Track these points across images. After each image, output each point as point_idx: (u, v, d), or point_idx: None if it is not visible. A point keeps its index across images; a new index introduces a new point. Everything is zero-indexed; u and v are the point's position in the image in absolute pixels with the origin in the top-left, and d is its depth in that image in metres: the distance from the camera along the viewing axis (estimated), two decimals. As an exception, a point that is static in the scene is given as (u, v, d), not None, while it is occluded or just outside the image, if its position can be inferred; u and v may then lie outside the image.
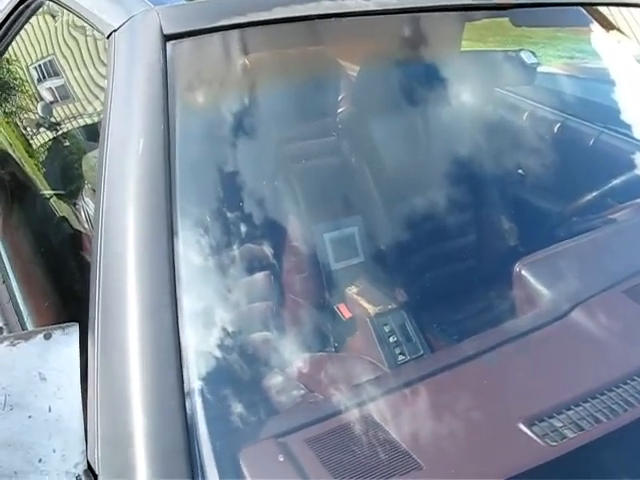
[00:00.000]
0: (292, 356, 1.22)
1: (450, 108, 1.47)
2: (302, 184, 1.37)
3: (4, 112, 1.76)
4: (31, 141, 1.62)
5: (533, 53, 1.66)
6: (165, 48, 1.01)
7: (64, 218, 1.36)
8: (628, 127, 1.63)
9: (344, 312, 1.33)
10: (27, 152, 1.58)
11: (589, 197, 1.41)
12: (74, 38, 1.41)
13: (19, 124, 1.70)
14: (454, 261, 1.45)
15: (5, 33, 1.58)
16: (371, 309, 1.32)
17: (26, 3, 1.50)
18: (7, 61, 1.70)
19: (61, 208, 1.40)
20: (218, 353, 1.00)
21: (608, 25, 1.60)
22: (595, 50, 1.78)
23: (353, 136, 1.53)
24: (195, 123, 1.07)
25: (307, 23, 1.18)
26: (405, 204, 1.45)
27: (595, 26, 1.59)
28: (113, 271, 0.83)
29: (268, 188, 1.25)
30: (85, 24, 1.23)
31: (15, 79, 1.69)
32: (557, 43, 2.48)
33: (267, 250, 1.32)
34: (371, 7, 1.19)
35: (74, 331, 0.76)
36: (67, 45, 1.45)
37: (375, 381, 0.93)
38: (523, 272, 0.90)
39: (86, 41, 1.34)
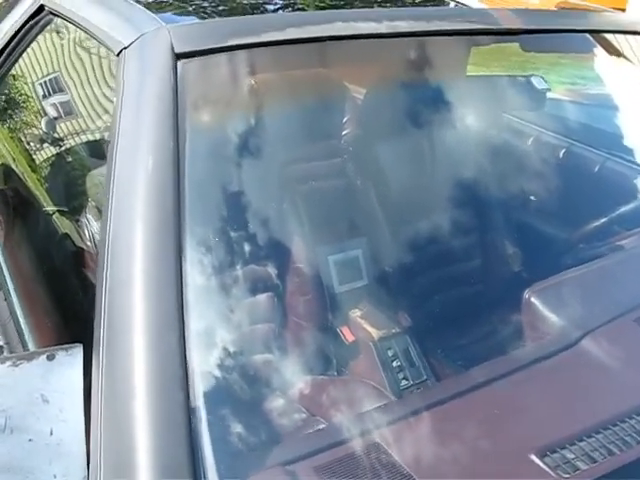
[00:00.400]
0: (295, 379, 1.20)
1: (456, 132, 1.46)
2: (307, 206, 1.36)
3: (9, 128, 1.75)
4: (34, 157, 1.61)
5: (543, 78, 1.66)
6: (176, 66, 1.00)
7: (67, 235, 1.34)
8: (632, 153, 1.64)
9: (347, 335, 1.31)
10: (30, 168, 1.57)
11: (597, 224, 1.40)
12: (82, 55, 1.40)
13: (23, 140, 1.69)
14: (459, 286, 1.44)
15: (13, 49, 1.57)
16: (374, 333, 1.30)
17: (35, 20, 1.49)
18: (13, 77, 1.70)
19: (64, 225, 1.38)
20: (225, 376, 0.98)
21: (614, 52, 1.60)
22: (598, 76, 1.79)
23: (358, 158, 1.53)
24: (204, 143, 1.07)
25: (316, 45, 1.17)
26: (410, 227, 1.44)
27: (599, 52, 1.60)
28: (119, 291, 0.82)
29: (274, 209, 1.24)
30: (94, 41, 1.22)
31: (21, 95, 1.68)
32: (560, 69, 2.49)
33: (272, 271, 1.31)
34: (383, 30, 1.19)
35: (78, 352, 0.74)
36: (75, 62, 1.44)
37: (383, 408, 0.91)
38: (533, 299, 0.89)
39: (94, 58, 1.33)
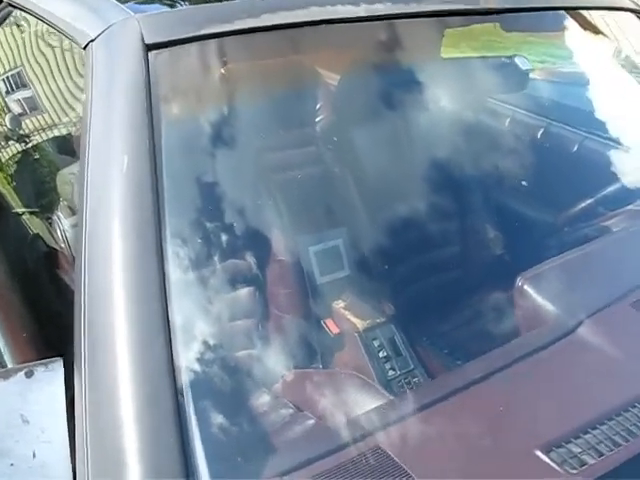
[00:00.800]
0: (281, 373, 1.18)
1: (433, 116, 1.44)
2: (286, 196, 1.33)
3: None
4: (-1, 155, 1.55)
5: (527, 59, 1.63)
6: (147, 58, 0.95)
7: (39, 236, 1.29)
8: (610, 131, 1.62)
9: (332, 327, 1.29)
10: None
11: (583, 205, 1.39)
12: (46, 49, 1.33)
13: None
14: (443, 273, 1.42)
15: None
16: (359, 323, 1.28)
17: None
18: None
19: (35, 226, 1.33)
20: (212, 377, 0.96)
21: (590, 28, 1.58)
22: (572, 54, 1.78)
23: (335, 146, 1.49)
24: (180, 136, 1.02)
25: (290, 31, 1.13)
26: (390, 214, 1.42)
27: (575, 28, 1.58)
28: (99, 299, 0.77)
29: (252, 201, 1.20)
30: (58, 34, 1.16)
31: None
32: (527, 47, 2.47)
33: (253, 265, 1.28)
34: (360, 13, 1.15)
35: (58, 367, 0.70)
36: (38, 56, 1.37)
37: (377, 407, 0.89)
38: (526, 287, 0.87)
39: (59, 52, 1.26)
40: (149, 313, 0.77)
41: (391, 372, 1.26)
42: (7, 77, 1.53)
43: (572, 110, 1.81)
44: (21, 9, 1.30)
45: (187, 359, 0.84)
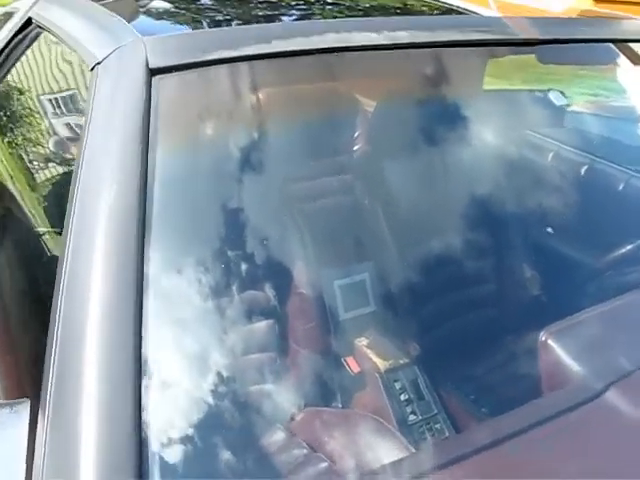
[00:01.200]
0: (295, 410, 1.14)
1: (471, 150, 1.38)
2: (310, 227, 1.29)
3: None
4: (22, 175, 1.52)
5: (562, 93, 1.56)
6: (150, 83, 0.91)
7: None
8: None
9: (352, 366, 1.24)
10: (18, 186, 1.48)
11: (625, 251, 1.31)
12: (65, 70, 1.32)
13: (14, 157, 1.61)
14: (472, 314, 1.36)
15: (1, 64, 1.50)
16: (381, 364, 1.23)
17: (23, 33, 1.42)
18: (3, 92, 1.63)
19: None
20: (224, 416, 0.91)
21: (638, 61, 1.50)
22: (622, 87, 1.70)
23: (367, 177, 1.45)
24: (181, 168, 0.97)
25: (305, 58, 1.08)
26: (421, 251, 1.37)
27: (624, 62, 1.50)
28: (73, 339, 0.72)
29: (271, 234, 1.16)
30: (75, 55, 1.13)
31: (11, 112, 1.61)
32: (580, 81, 2.40)
33: (271, 297, 1.24)
34: (381, 41, 1.10)
35: (24, 409, 0.65)
36: (57, 78, 1.36)
37: (395, 462, 0.83)
38: (550, 342, 0.80)
39: (76, 73, 1.25)
40: (121, 357, 0.72)
41: (412, 416, 1.20)
42: (31, 98, 1.52)
43: (620, 146, 1.72)
44: (46, 30, 1.29)
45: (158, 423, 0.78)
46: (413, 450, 1.05)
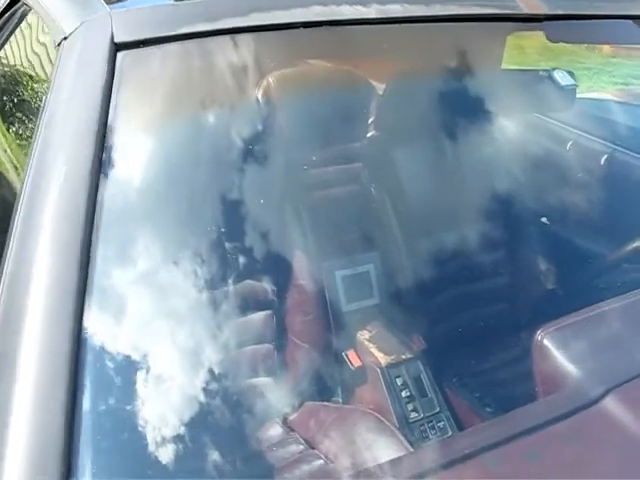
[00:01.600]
0: (293, 406, 1.10)
1: (482, 136, 1.32)
2: (311, 215, 1.24)
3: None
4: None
5: (570, 73, 1.46)
6: (114, 59, 0.86)
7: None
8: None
9: (353, 360, 1.20)
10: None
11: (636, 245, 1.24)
12: (39, 48, 1.27)
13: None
14: (480, 310, 1.30)
15: None
16: (383, 358, 1.19)
17: (11, 11, 1.38)
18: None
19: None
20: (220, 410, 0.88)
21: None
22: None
23: (372, 164, 1.39)
24: (144, 150, 0.92)
25: (289, 32, 1.02)
26: (428, 242, 1.31)
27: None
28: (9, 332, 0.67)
29: (259, 233, 1.11)
30: (48, 30, 1.08)
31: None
32: (612, 69, 2.32)
33: (269, 288, 1.20)
34: (372, 14, 1.04)
35: None
36: (31, 56, 1.31)
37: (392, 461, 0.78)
38: (546, 342, 0.74)
39: (46, 51, 1.19)
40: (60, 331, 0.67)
41: (413, 414, 1.16)
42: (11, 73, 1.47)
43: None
44: (29, 6, 1.23)
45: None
46: (412, 449, 1.00)
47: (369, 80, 1.43)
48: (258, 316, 1.18)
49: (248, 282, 1.16)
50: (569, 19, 1.20)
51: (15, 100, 1.44)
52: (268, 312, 1.19)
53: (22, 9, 1.34)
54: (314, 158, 1.30)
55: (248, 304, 1.16)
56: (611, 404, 0.65)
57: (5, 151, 1.39)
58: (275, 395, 1.11)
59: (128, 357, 0.82)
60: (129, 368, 0.82)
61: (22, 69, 1.40)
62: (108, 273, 0.77)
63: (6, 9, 1.38)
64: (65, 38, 0.92)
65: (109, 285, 0.78)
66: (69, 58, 0.86)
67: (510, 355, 1.19)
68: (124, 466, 0.77)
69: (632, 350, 0.74)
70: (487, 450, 0.65)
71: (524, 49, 1.68)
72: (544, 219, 1.33)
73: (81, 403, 0.65)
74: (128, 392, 0.81)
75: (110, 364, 0.77)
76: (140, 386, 0.82)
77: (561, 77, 1.40)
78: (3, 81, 1.60)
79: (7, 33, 1.44)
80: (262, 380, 1.13)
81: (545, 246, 1.39)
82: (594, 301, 0.88)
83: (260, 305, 1.18)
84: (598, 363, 0.72)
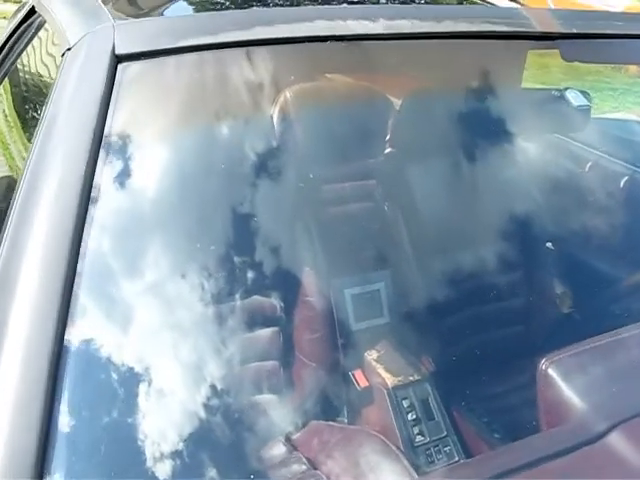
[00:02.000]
0: (297, 424, 1.08)
1: (495, 156, 1.30)
2: (322, 231, 1.22)
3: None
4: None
5: (584, 93, 1.42)
6: (115, 70, 0.85)
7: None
8: None
9: (360, 380, 1.18)
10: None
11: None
12: (49, 59, 1.27)
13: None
14: (491, 333, 1.28)
15: (7, 54, 1.46)
16: (390, 379, 1.16)
17: (28, 22, 1.38)
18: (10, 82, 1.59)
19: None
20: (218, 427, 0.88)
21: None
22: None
23: (387, 181, 1.37)
24: (141, 161, 0.89)
25: (298, 47, 1.00)
26: (441, 262, 1.29)
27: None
28: None
29: (263, 246, 1.09)
30: (56, 41, 1.07)
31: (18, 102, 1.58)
32: (639, 90, 2.28)
33: (277, 303, 1.19)
34: (378, 30, 1.02)
35: None
36: (42, 67, 1.31)
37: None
38: (550, 372, 0.71)
39: (55, 61, 1.18)
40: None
41: (419, 437, 1.13)
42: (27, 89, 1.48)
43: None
44: (44, 18, 1.23)
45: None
46: (415, 475, 0.98)
47: (387, 96, 1.42)
48: (265, 332, 1.17)
49: (256, 298, 1.15)
50: (584, 38, 1.17)
51: (30, 111, 1.45)
52: (275, 329, 1.18)
53: (38, 20, 1.35)
54: (325, 174, 1.29)
55: (255, 320, 1.14)
56: (615, 440, 0.63)
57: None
58: (279, 413, 1.09)
59: (124, 368, 0.81)
60: (124, 380, 0.81)
61: (34, 80, 1.40)
62: (99, 283, 0.76)
63: (24, 19, 1.38)
64: (69, 49, 0.91)
65: (100, 295, 0.77)
66: (71, 68, 0.86)
67: (521, 381, 1.16)
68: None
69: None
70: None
71: (548, 68, 1.66)
72: (549, 244, 1.30)
73: (59, 409, 0.64)
74: (121, 404, 0.80)
75: (97, 372, 0.76)
76: (131, 398, 0.81)
77: (574, 97, 1.37)
78: (19, 90, 1.61)
79: (24, 44, 1.45)
80: (267, 397, 1.12)
81: (561, 270, 1.36)
82: (608, 329, 0.85)
83: (267, 321, 1.17)
84: (604, 396, 0.70)
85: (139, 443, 0.81)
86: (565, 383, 0.70)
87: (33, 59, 1.44)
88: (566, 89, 1.39)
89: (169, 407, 0.88)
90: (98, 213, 0.74)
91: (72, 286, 0.68)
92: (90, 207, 0.73)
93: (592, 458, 0.63)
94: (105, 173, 0.77)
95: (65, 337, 0.68)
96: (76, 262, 0.69)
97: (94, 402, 0.75)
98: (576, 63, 1.49)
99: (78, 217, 0.70)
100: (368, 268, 1.27)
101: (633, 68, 2.54)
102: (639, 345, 0.76)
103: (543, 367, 0.73)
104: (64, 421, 0.65)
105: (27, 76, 1.50)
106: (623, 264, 1.35)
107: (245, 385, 1.08)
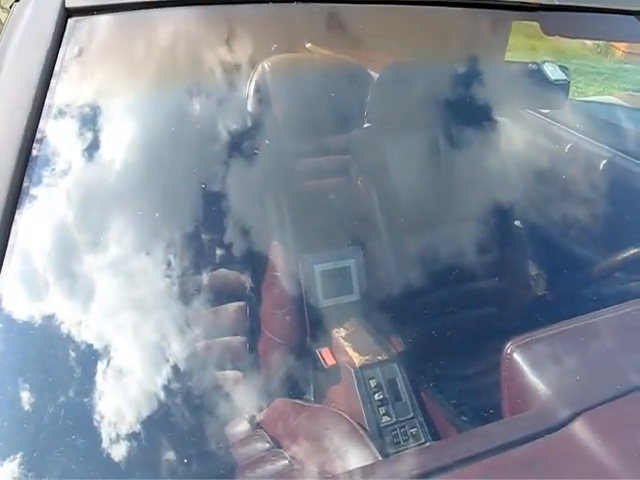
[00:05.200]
0: (262, 402, 1.06)
1: (475, 134, 1.27)
2: (290, 206, 1.19)
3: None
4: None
5: (563, 67, 1.38)
6: (64, 25, 0.80)
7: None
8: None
9: (327, 358, 1.16)
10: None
11: (627, 255, 1.19)
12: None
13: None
14: (462, 314, 1.26)
15: None
16: (357, 358, 1.14)
17: None
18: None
19: None
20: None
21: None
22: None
23: (361, 156, 1.34)
24: (86, 125, 0.84)
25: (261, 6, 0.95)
26: (414, 240, 1.26)
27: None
28: None
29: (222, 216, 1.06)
30: None
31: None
32: (624, 75, 2.26)
33: (243, 278, 1.16)
34: None
35: None
36: None
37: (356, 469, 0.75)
38: (515, 355, 0.69)
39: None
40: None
41: (385, 418, 1.11)
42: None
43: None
44: None
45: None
46: (379, 456, 0.96)
47: (367, 70, 1.38)
48: (231, 307, 1.14)
49: (222, 271, 1.12)
50: (567, 11, 1.13)
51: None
52: (241, 303, 1.15)
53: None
54: (298, 147, 1.25)
55: (220, 294, 1.12)
56: (578, 428, 0.60)
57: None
58: (244, 390, 1.07)
59: (80, 341, 0.78)
60: (80, 355, 0.78)
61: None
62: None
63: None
64: (17, 0, 0.86)
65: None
66: (18, 21, 0.81)
67: (490, 364, 1.14)
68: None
69: (605, 370, 0.69)
70: (445, 470, 0.60)
71: (534, 49, 1.63)
72: (517, 222, 1.27)
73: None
74: (72, 381, 0.77)
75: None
76: (88, 375, 0.78)
77: (552, 71, 1.33)
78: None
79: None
80: (231, 374, 1.09)
81: (535, 251, 1.34)
82: (580, 312, 0.83)
83: (233, 296, 1.14)
84: (568, 383, 0.67)
85: (95, 422, 0.78)
86: (529, 368, 0.68)
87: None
88: (544, 62, 1.34)
89: (129, 385, 0.85)
90: (37, 172, 0.70)
91: (4, 251, 0.65)
92: (29, 164, 0.69)
93: (555, 446, 0.61)
94: (48, 129, 0.73)
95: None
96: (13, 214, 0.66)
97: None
98: (562, 44, 1.46)
99: (14, 176, 0.66)
100: (339, 244, 1.24)
101: (619, 53, 2.53)
102: (607, 331, 0.74)
103: (508, 351, 0.71)
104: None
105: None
106: (597, 248, 1.33)
107: (209, 361, 1.06)
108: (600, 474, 0.58)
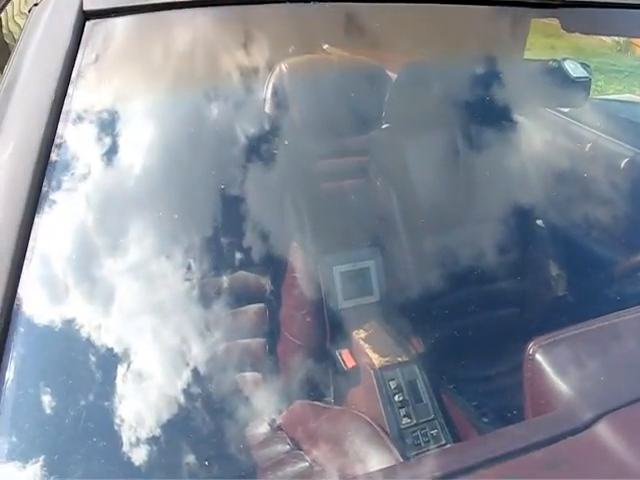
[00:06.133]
0: (282, 404, 1.06)
1: (496, 134, 1.26)
2: (309, 207, 1.19)
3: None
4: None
5: (584, 65, 1.36)
6: (82, 28, 0.80)
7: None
8: None
9: (347, 360, 1.15)
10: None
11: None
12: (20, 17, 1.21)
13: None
14: (483, 314, 1.25)
15: None
16: (377, 360, 1.14)
17: None
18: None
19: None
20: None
21: None
22: None
23: (380, 157, 1.34)
24: (105, 127, 0.84)
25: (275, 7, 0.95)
26: (434, 241, 1.26)
27: None
28: None
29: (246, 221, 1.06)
30: None
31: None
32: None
33: (263, 280, 1.16)
34: None
35: None
36: (13, 25, 1.26)
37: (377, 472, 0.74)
38: (537, 356, 0.68)
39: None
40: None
41: (406, 420, 1.10)
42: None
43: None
44: None
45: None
46: (400, 458, 0.96)
47: (385, 70, 1.38)
48: (250, 309, 1.14)
49: (241, 273, 1.12)
50: (588, 7, 1.12)
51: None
52: (261, 305, 1.15)
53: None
54: (317, 148, 1.25)
55: (240, 296, 1.12)
56: (602, 430, 0.60)
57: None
58: (264, 392, 1.07)
59: (99, 345, 0.79)
60: (100, 358, 0.79)
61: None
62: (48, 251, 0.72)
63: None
64: (36, 4, 0.86)
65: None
66: (37, 24, 0.81)
67: (512, 365, 1.13)
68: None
69: (629, 371, 0.68)
70: (467, 472, 0.59)
71: (553, 48, 1.62)
72: (539, 221, 1.26)
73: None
74: (95, 383, 0.77)
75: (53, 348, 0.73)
76: (109, 377, 0.79)
77: (573, 69, 1.31)
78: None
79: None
80: (251, 376, 1.09)
81: (557, 251, 1.32)
82: (602, 313, 0.82)
83: (253, 298, 1.14)
84: (592, 384, 0.67)
85: (116, 424, 0.78)
86: (552, 369, 0.68)
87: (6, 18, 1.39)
88: (564, 59, 1.33)
89: (150, 387, 0.86)
90: (56, 177, 0.71)
91: (24, 255, 0.65)
92: (49, 169, 0.69)
93: (579, 447, 0.61)
94: (66, 134, 0.73)
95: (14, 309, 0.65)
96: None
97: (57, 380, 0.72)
98: (581, 42, 1.44)
99: (34, 179, 0.67)
100: (358, 245, 1.24)
101: (639, 50, 2.49)
102: (630, 332, 0.73)
103: (530, 351, 0.70)
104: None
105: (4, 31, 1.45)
106: (620, 247, 1.32)
107: (229, 364, 1.06)
108: (624, 475, 0.58)
